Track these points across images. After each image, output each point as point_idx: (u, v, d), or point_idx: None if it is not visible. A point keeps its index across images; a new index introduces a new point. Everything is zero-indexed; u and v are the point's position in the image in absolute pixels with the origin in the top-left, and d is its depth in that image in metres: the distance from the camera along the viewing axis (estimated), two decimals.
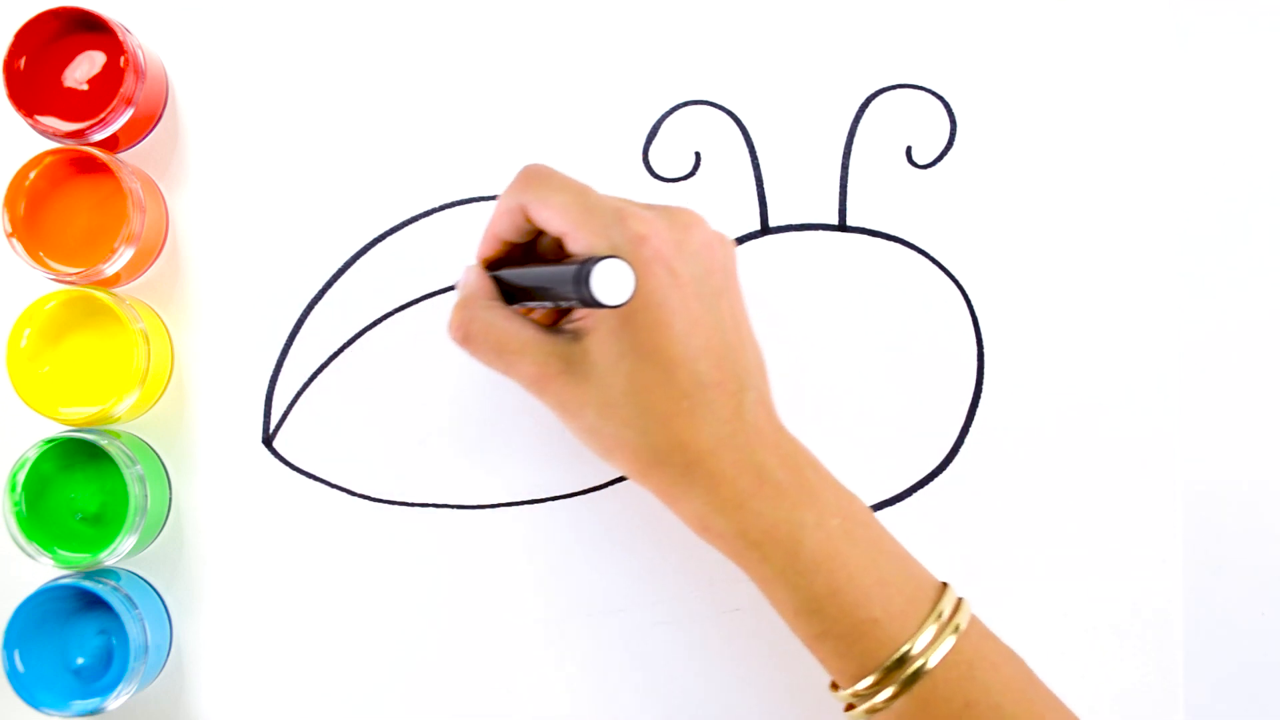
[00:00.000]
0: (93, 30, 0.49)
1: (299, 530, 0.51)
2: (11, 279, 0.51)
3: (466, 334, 0.43)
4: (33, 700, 0.47)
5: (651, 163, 0.52)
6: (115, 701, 0.47)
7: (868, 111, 0.52)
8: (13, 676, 0.47)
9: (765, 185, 0.52)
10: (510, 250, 0.46)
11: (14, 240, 0.48)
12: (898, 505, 0.52)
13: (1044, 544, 0.51)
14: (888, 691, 0.40)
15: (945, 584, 0.43)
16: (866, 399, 0.52)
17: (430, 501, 0.52)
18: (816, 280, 0.52)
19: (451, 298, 0.48)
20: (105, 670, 0.49)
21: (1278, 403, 0.52)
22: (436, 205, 0.52)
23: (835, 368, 0.52)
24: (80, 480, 0.49)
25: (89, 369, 0.49)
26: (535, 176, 0.43)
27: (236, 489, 0.51)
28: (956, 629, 0.41)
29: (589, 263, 0.37)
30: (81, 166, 0.49)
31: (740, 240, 0.52)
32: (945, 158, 0.52)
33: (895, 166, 0.52)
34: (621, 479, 0.52)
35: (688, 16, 0.52)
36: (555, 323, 0.45)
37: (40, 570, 0.49)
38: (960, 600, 0.42)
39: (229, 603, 0.51)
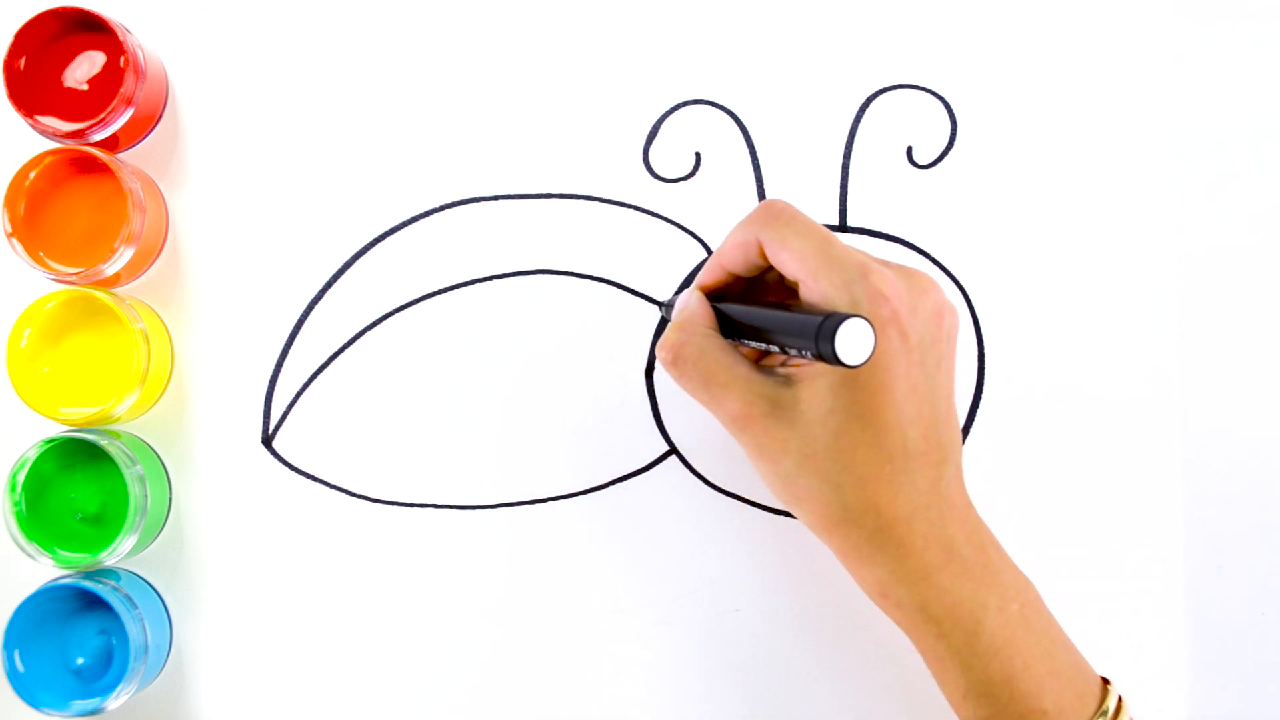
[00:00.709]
0: (93, 30, 0.49)
1: (299, 530, 0.51)
2: (11, 279, 0.51)
3: (678, 356, 0.42)
4: (33, 700, 0.47)
5: (651, 163, 0.52)
6: (115, 701, 0.47)
7: (868, 111, 0.52)
8: (13, 676, 0.47)
9: (765, 185, 0.52)
10: (733, 283, 0.45)
11: (14, 240, 0.48)
12: None
13: (1044, 544, 0.51)
14: None
15: (1107, 680, 0.43)
16: None
17: (430, 501, 0.52)
18: None
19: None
20: (105, 670, 0.49)
21: (1278, 402, 0.52)
22: (436, 205, 0.52)
23: None
24: (80, 480, 0.49)
25: (89, 369, 0.49)
26: (778, 215, 0.42)
27: (236, 489, 0.51)
28: None
29: (833, 319, 0.36)
30: (81, 166, 0.49)
31: None
32: (946, 158, 0.52)
33: (896, 166, 0.52)
34: (622, 479, 0.52)
35: (688, 16, 0.52)
36: (758, 360, 0.45)
37: (40, 570, 0.49)
38: (1121, 699, 0.42)
39: (229, 603, 0.51)
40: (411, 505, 0.52)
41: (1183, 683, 0.51)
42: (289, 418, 0.52)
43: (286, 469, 0.51)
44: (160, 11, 0.52)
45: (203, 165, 0.52)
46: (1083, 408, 0.52)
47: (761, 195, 0.52)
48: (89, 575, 0.48)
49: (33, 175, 0.48)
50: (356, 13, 0.52)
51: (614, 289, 0.52)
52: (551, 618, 0.51)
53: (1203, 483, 0.52)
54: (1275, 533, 0.52)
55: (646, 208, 0.52)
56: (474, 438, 0.52)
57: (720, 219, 0.52)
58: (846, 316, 0.36)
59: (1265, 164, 0.52)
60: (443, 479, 0.52)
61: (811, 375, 0.40)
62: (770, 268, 0.43)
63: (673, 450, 0.52)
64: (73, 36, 0.49)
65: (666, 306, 0.49)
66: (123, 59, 0.48)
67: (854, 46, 0.52)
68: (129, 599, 0.48)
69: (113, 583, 0.48)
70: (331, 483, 0.51)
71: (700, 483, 0.52)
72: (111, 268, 0.49)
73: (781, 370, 0.42)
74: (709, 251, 0.52)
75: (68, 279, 0.49)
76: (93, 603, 0.48)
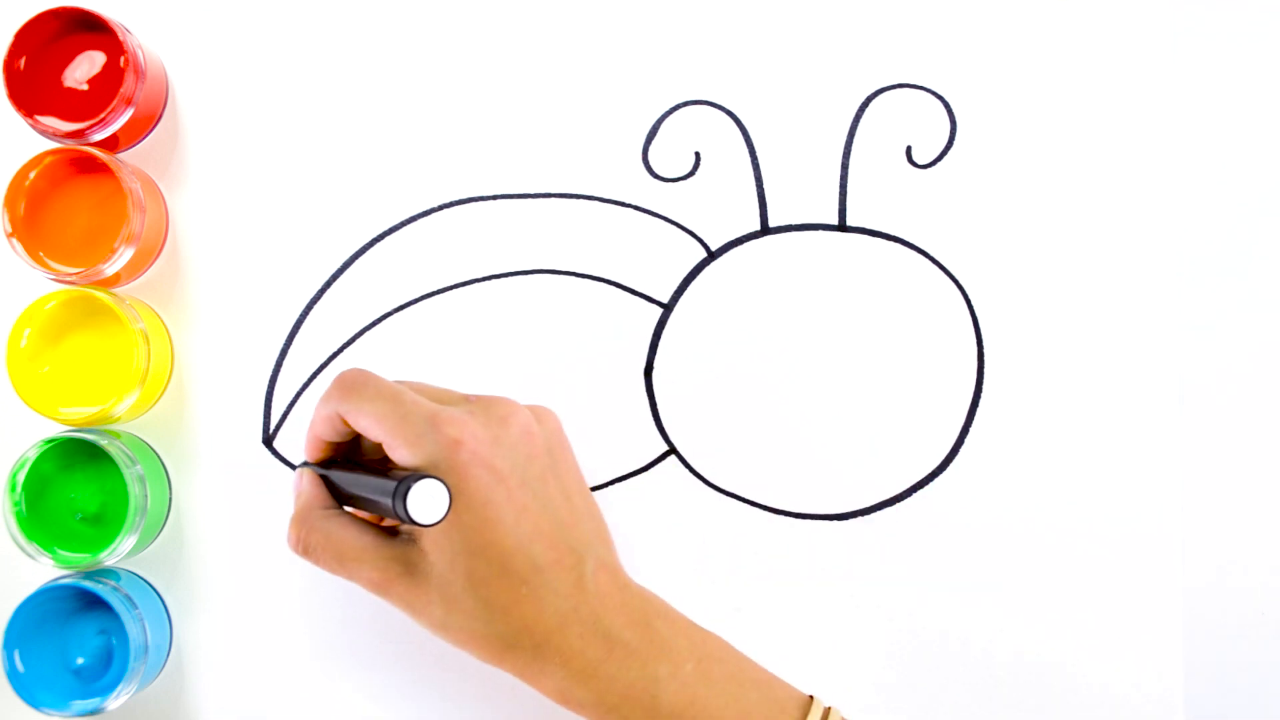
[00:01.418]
0: (93, 30, 0.49)
1: None
2: (11, 279, 0.51)
3: (306, 547, 0.44)
4: (33, 700, 0.47)
5: (651, 163, 0.52)
6: (115, 701, 0.47)
7: (868, 111, 0.52)
8: (13, 676, 0.47)
9: (765, 185, 0.52)
10: (336, 449, 0.46)
11: (14, 240, 0.48)
12: (898, 505, 0.52)
13: (1044, 544, 0.51)
14: None
15: (811, 697, 0.44)
16: (866, 399, 0.52)
17: None
18: (816, 280, 0.52)
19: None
20: (105, 670, 0.49)
21: (1278, 402, 0.52)
22: (436, 205, 0.52)
23: (835, 367, 0.52)
24: (80, 480, 0.49)
25: (89, 369, 0.49)
26: (350, 385, 0.43)
27: (236, 489, 0.51)
28: None
29: (404, 483, 0.38)
30: (81, 166, 0.49)
31: (740, 240, 0.52)
32: (945, 158, 0.52)
33: (895, 166, 0.52)
34: (622, 479, 0.52)
35: (688, 16, 0.52)
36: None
37: (40, 570, 0.49)
38: (829, 710, 0.43)
39: (229, 603, 0.51)
40: None
41: (1182, 683, 0.51)
42: (289, 418, 0.52)
43: (287, 469, 0.51)
44: (160, 11, 0.52)
45: (203, 165, 0.52)
46: (1082, 408, 0.52)
47: (761, 195, 0.52)
48: (89, 575, 0.48)
49: (33, 175, 0.48)
50: (356, 13, 0.52)
51: (614, 289, 0.52)
52: None
53: (1202, 483, 0.52)
54: (1275, 533, 0.52)
55: (646, 208, 0.52)
56: None
57: (720, 219, 0.52)
58: (413, 482, 0.38)
59: (1265, 163, 0.52)
60: None
61: (429, 530, 0.41)
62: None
63: (672, 450, 0.52)
64: (73, 36, 0.49)
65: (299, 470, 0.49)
66: (123, 59, 0.48)
67: (854, 46, 0.52)
68: (129, 599, 0.48)
69: (113, 583, 0.48)
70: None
71: (700, 483, 0.52)
72: (111, 268, 0.49)
73: (404, 529, 0.43)
74: (709, 251, 0.52)
75: (68, 279, 0.49)
76: (93, 603, 0.48)
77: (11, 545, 0.48)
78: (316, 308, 0.52)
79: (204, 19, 0.52)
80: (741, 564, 0.51)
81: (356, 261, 0.52)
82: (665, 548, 0.51)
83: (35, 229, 0.49)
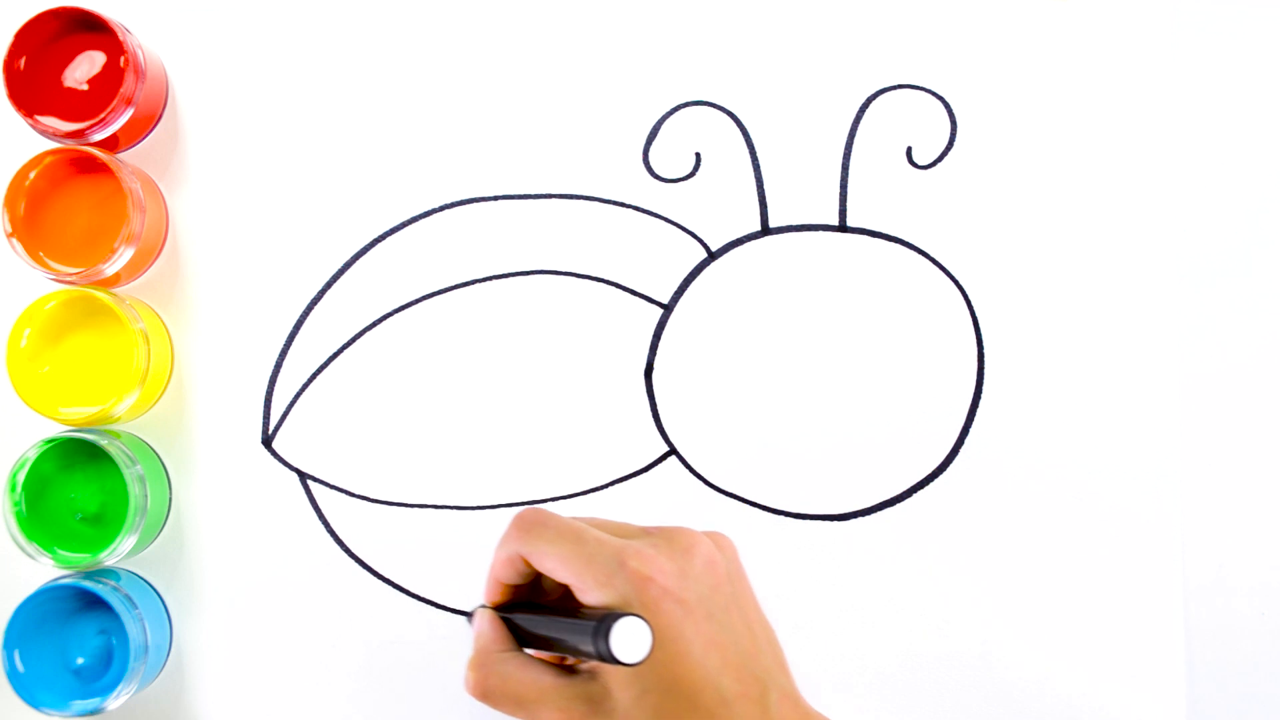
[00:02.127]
0: (93, 30, 0.49)
1: (299, 531, 0.51)
2: (11, 279, 0.51)
3: (485, 690, 0.43)
4: (33, 700, 0.47)
5: (651, 163, 0.52)
6: (115, 701, 0.47)
7: (868, 112, 0.52)
8: (13, 676, 0.47)
9: (765, 186, 0.52)
10: (517, 591, 0.45)
11: (14, 240, 0.48)
12: (898, 505, 0.52)
13: (1044, 544, 0.51)
14: None
15: None
16: (866, 399, 0.52)
17: (430, 502, 0.52)
18: (816, 281, 0.52)
19: (466, 637, 0.48)
20: (105, 670, 0.49)
21: (1278, 402, 0.52)
22: (436, 205, 0.52)
23: (835, 368, 0.52)
24: (80, 480, 0.49)
25: (89, 369, 0.49)
26: (529, 527, 0.43)
27: (236, 489, 0.51)
28: None
29: (602, 626, 0.37)
30: (81, 166, 0.49)
31: (740, 241, 0.52)
32: (945, 158, 0.52)
33: (896, 167, 0.52)
34: (622, 479, 0.52)
35: (688, 16, 0.52)
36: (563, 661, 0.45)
37: (40, 570, 0.49)
38: None
39: (229, 603, 0.51)
40: (411, 505, 0.52)
41: (1183, 683, 0.51)
42: (289, 418, 0.52)
43: (287, 470, 0.51)
44: (160, 11, 0.52)
45: (203, 165, 0.52)
46: (1082, 408, 0.52)
47: (762, 196, 0.52)
48: (89, 575, 0.48)
49: (33, 175, 0.48)
50: (356, 13, 0.52)
51: (614, 289, 0.52)
52: None
53: (1202, 483, 0.52)
54: (1275, 533, 0.52)
55: (646, 208, 0.52)
56: (474, 438, 0.52)
57: (721, 219, 0.52)
58: (614, 621, 0.37)
59: (1265, 163, 0.52)
60: (443, 479, 0.52)
61: (613, 667, 0.41)
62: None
63: (672, 450, 0.52)
64: (73, 36, 0.49)
65: (469, 619, 0.49)
66: (123, 59, 0.48)
67: (854, 46, 0.52)
68: (129, 599, 0.48)
69: (113, 583, 0.48)
70: (331, 483, 0.51)
71: (700, 483, 0.52)
72: (111, 268, 0.49)
73: (584, 667, 0.42)
74: (709, 251, 0.52)
75: (68, 279, 0.49)
76: (93, 603, 0.48)
77: (11, 545, 0.48)
78: (316, 308, 0.52)
79: (204, 19, 0.52)
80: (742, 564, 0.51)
81: (357, 262, 0.52)
82: None
83: (35, 229, 0.49)
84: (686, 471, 0.52)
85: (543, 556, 0.42)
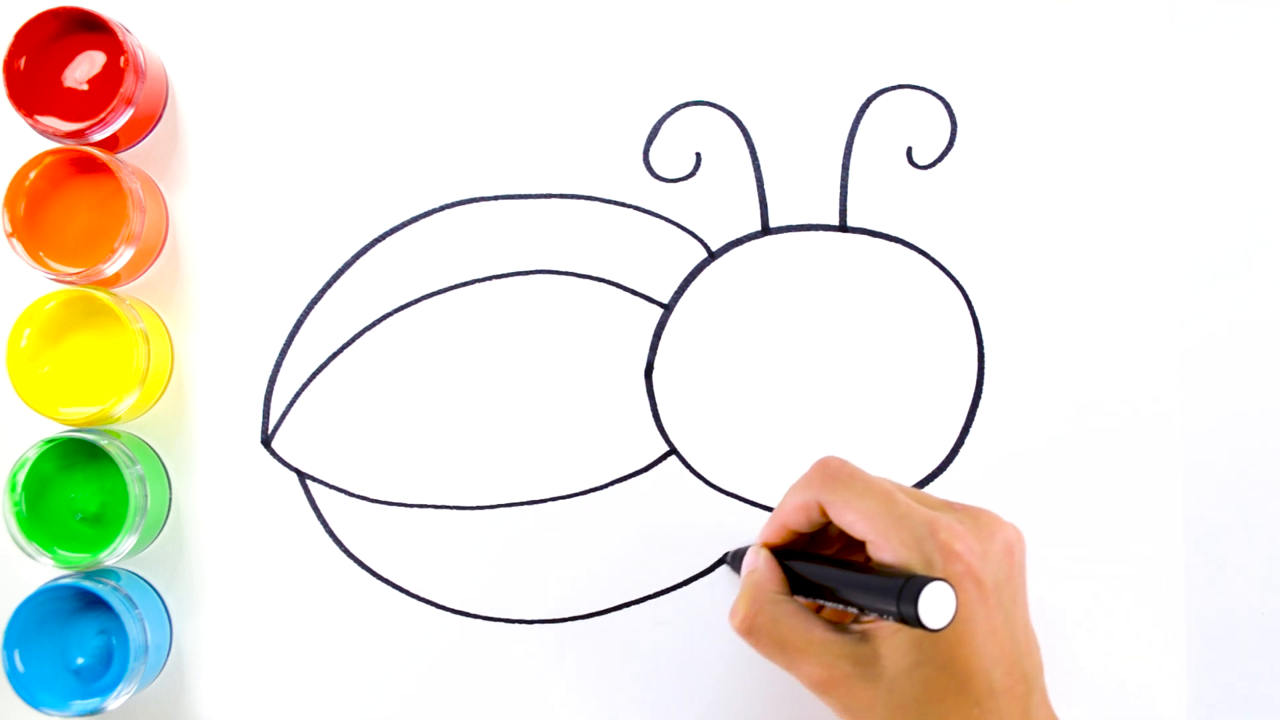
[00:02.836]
0: (93, 30, 0.49)
1: (298, 531, 0.51)
2: (11, 279, 0.51)
3: (752, 626, 0.43)
4: (33, 700, 0.47)
5: (651, 163, 0.52)
6: (115, 701, 0.47)
7: (868, 112, 0.52)
8: (13, 676, 0.47)
9: (765, 186, 0.52)
10: (797, 538, 0.45)
11: (14, 240, 0.48)
12: None
13: (1044, 543, 0.51)
14: None
15: None
16: (867, 399, 0.52)
17: (430, 502, 0.52)
18: (817, 281, 0.52)
19: (728, 579, 0.49)
20: (105, 670, 0.49)
21: (1278, 403, 0.52)
22: (436, 205, 0.52)
23: (836, 368, 0.52)
24: (80, 480, 0.49)
25: (89, 369, 0.49)
26: (836, 475, 0.42)
27: (236, 489, 0.51)
28: None
29: (913, 584, 0.37)
30: (81, 166, 0.49)
31: (741, 241, 0.52)
32: (946, 158, 0.52)
33: (896, 167, 0.52)
34: (622, 479, 0.52)
35: (688, 16, 0.52)
36: (818, 610, 0.45)
37: (40, 570, 0.49)
38: None
39: (229, 603, 0.51)
40: (411, 505, 0.52)
41: (1183, 683, 0.51)
42: (288, 418, 0.52)
43: (287, 470, 0.51)
44: (160, 11, 0.52)
45: (203, 165, 0.52)
46: (1082, 408, 0.52)
47: (762, 196, 0.52)
48: (89, 575, 0.48)
49: (33, 175, 0.48)
50: (356, 13, 0.52)
51: (614, 289, 0.52)
52: (551, 617, 0.51)
53: (1203, 483, 0.52)
54: (1275, 533, 0.52)
55: (646, 208, 0.52)
56: (474, 438, 0.52)
57: (721, 219, 0.52)
58: (926, 582, 0.37)
59: (1265, 163, 0.52)
60: (442, 479, 0.52)
61: (890, 631, 0.41)
62: (831, 521, 0.43)
63: (673, 450, 0.52)
64: (73, 36, 0.49)
65: (734, 556, 0.49)
66: (123, 59, 0.48)
67: (854, 46, 0.52)
68: (129, 599, 0.48)
69: (113, 583, 0.48)
70: (331, 483, 0.52)
71: (700, 483, 0.52)
72: (111, 268, 0.49)
73: (856, 627, 0.42)
74: (709, 251, 0.52)
75: (68, 279, 0.49)
76: (93, 603, 0.48)
77: (11, 545, 0.48)
78: (316, 308, 0.52)
79: (204, 19, 0.52)
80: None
81: (357, 262, 0.52)
82: (665, 547, 0.51)
83: (35, 229, 0.49)
84: (686, 471, 0.52)
85: (845, 508, 0.41)
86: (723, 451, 0.52)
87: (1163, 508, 0.51)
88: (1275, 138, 0.53)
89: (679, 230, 0.52)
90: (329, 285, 0.52)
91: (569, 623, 0.51)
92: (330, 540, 0.51)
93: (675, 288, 0.52)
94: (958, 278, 0.52)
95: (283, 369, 0.52)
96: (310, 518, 0.51)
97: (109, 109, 0.48)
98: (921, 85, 0.52)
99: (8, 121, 0.50)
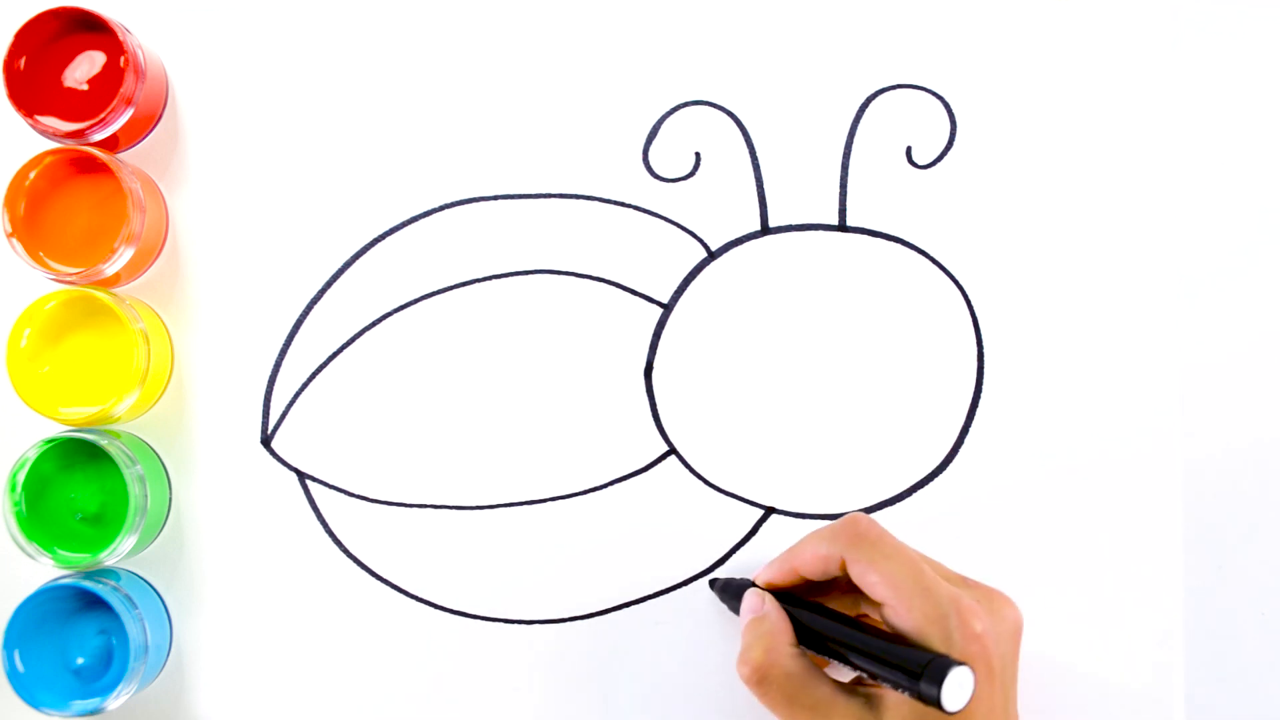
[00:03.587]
0: (93, 30, 0.49)
1: (298, 531, 0.51)
2: (11, 279, 0.51)
3: (763, 677, 0.43)
4: (33, 700, 0.47)
5: (651, 163, 0.52)
6: (115, 701, 0.47)
7: (868, 111, 0.52)
8: (13, 676, 0.47)
9: (765, 185, 0.52)
10: (800, 584, 0.45)
11: (14, 240, 0.48)
12: (898, 505, 0.52)
13: (1044, 544, 0.51)
14: None
15: None
16: (866, 399, 0.52)
17: (430, 502, 0.52)
18: (816, 280, 0.52)
19: (726, 618, 0.48)
20: (105, 670, 0.49)
21: (1278, 402, 0.52)
22: (436, 205, 0.52)
23: (835, 367, 0.52)
24: (80, 480, 0.49)
25: (89, 369, 0.49)
26: (865, 536, 0.42)
27: (236, 489, 0.51)
28: None
29: (938, 664, 0.37)
30: (81, 166, 0.49)
31: (740, 240, 0.52)
32: (945, 158, 0.52)
33: (895, 167, 0.52)
34: (622, 479, 0.52)
35: (688, 16, 0.52)
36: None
37: (40, 570, 0.49)
38: None
39: (229, 603, 0.51)
40: (411, 505, 0.52)
41: (1182, 683, 0.51)
42: (288, 418, 0.52)
43: (286, 469, 0.51)
44: (160, 11, 0.52)
45: (203, 165, 0.52)
46: (1082, 408, 0.52)
47: (761, 195, 0.52)
48: (89, 575, 0.48)
49: (33, 175, 0.48)
50: (356, 13, 0.52)
51: (614, 289, 0.52)
52: (551, 617, 0.51)
53: (1203, 483, 0.52)
54: (1275, 533, 0.52)
55: (646, 208, 0.52)
56: (473, 438, 0.52)
57: (720, 219, 0.52)
58: (950, 665, 0.37)
59: (1266, 163, 0.52)
60: (442, 479, 0.52)
61: (896, 700, 0.41)
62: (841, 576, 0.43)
63: (672, 450, 0.52)
64: (73, 36, 0.49)
65: (723, 587, 0.49)
66: (123, 59, 0.48)
67: (854, 46, 0.52)
68: (129, 599, 0.48)
69: (113, 583, 0.48)
70: (331, 483, 0.52)
71: (700, 483, 0.52)
72: (111, 268, 0.49)
73: (864, 691, 0.42)
74: (709, 251, 0.52)
75: (68, 279, 0.49)
76: (93, 603, 0.48)
77: (11, 545, 0.48)
78: (316, 308, 0.52)
79: (204, 19, 0.52)
80: (742, 564, 0.51)
81: (357, 261, 0.52)
82: (665, 547, 0.51)
83: (35, 229, 0.49)
84: (686, 471, 0.52)
85: (870, 569, 0.41)
86: (722, 451, 0.52)
87: (1162, 508, 0.51)
88: (1275, 138, 0.53)
89: (679, 230, 0.52)
90: (329, 285, 0.52)
91: (568, 623, 0.51)
92: (330, 540, 0.51)
93: (675, 287, 0.52)
94: (957, 278, 0.52)
95: (282, 369, 0.52)
96: (310, 518, 0.51)
97: (109, 109, 0.48)
98: (921, 85, 0.52)
99: (8, 121, 0.50)
